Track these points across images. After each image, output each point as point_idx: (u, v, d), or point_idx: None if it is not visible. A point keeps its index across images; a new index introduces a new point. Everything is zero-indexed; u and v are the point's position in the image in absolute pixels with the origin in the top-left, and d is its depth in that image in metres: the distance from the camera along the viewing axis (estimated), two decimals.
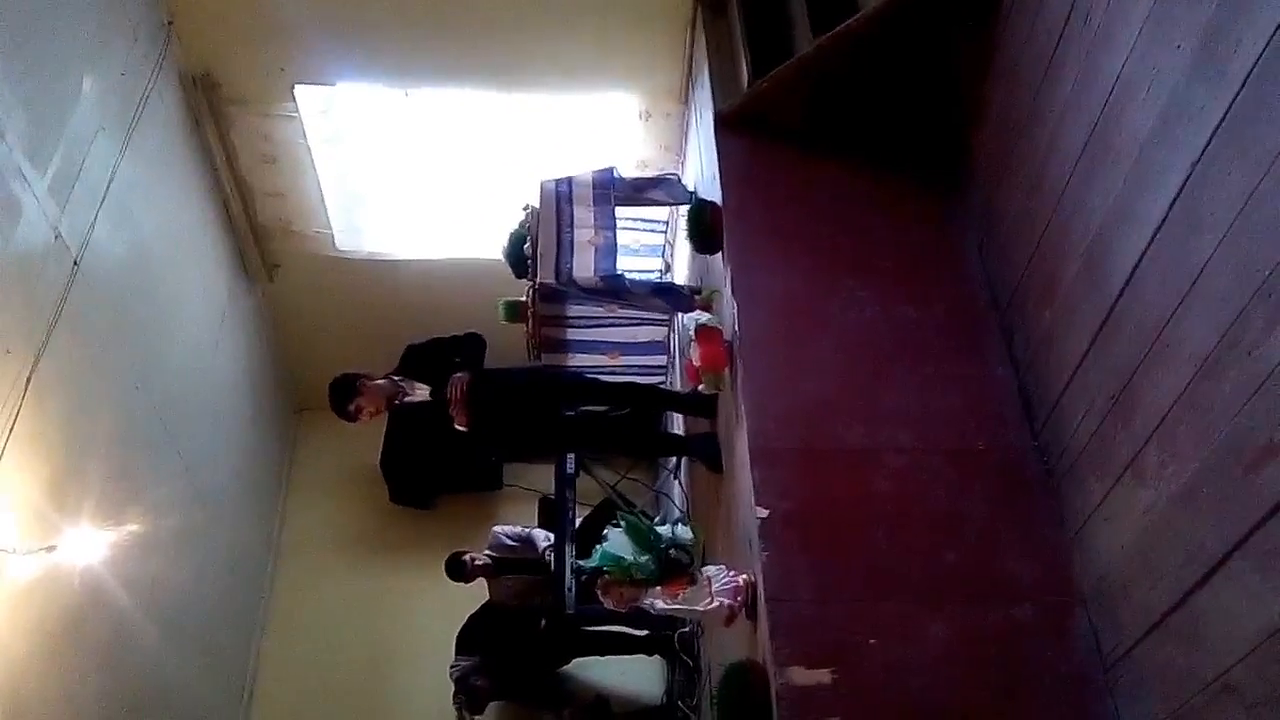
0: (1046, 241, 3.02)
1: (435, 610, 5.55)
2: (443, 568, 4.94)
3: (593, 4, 4.54)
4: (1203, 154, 2.26)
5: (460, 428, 3.85)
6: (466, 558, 4.95)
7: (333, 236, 5.54)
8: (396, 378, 3.93)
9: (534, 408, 4.01)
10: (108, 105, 3.98)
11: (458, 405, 3.81)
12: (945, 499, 2.99)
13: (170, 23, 4.47)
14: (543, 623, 4.71)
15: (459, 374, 3.86)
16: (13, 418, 3.29)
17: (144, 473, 4.34)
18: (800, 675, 2.67)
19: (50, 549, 3.46)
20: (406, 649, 5.64)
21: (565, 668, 5.39)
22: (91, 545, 3.73)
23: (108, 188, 3.96)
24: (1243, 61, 2.11)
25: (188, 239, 4.91)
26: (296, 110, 4.92)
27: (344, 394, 3.79)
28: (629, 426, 4.67)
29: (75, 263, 3.70)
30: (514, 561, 5.07)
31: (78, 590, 3.72)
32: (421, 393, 3.90)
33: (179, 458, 4.67)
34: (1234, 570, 2.19)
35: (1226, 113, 2.17)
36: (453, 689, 4.94)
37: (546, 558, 4.92)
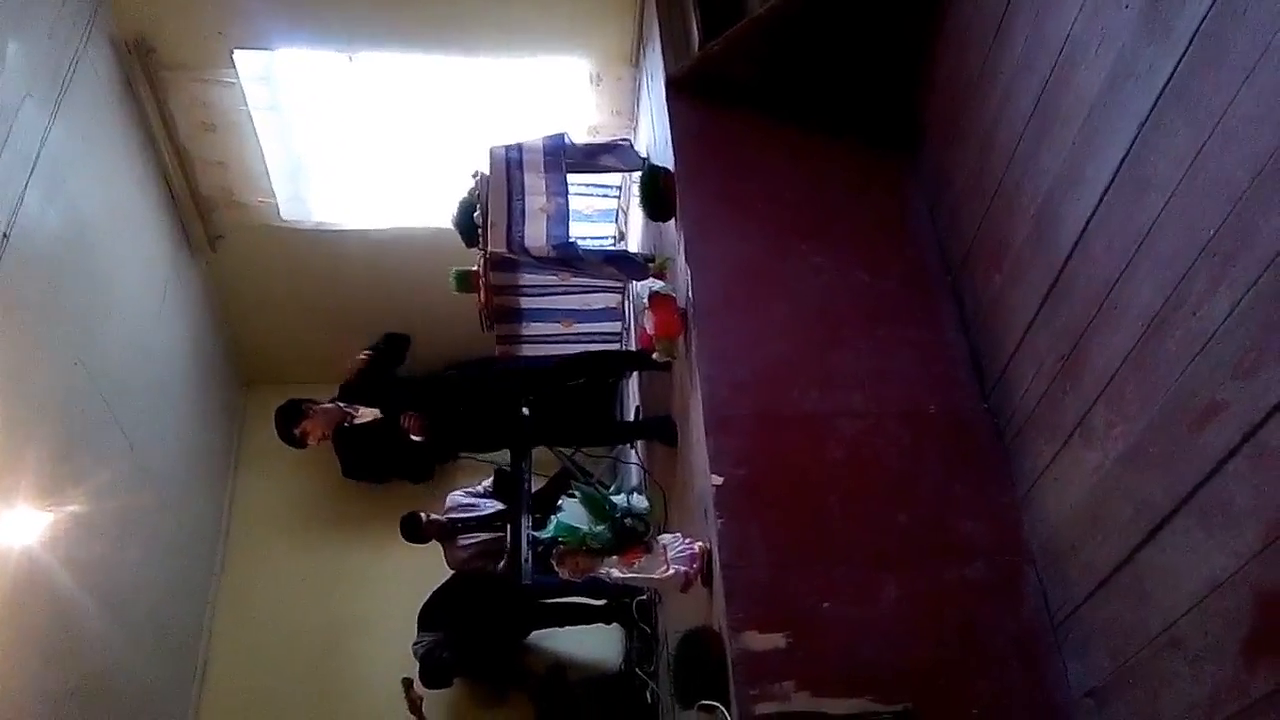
0: (997, 204, 3.03)
1: (389, 585, 5.53)
2: (398, 530, 4.93)
3: None
4: (1150, 114, 2.27)
5: (416, 438, 3.91)
6: (421, 515, 4.95)
7: (277, 206, 5.39)
8: (341, 403, 3.97)
9: (487, 410, 4.01)
10: (35, 70, 3.82)
11: (407, 419, 3.89)
12: (898, 462, 3.01)
13: None
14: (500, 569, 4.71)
15: (407, 415, 3.90)
16: None
17: (86, 452, 4.22)
18: (755, 640, 2.68)
19: None
20: (361, 625, 5.60)
21: (524, 640, 5.39)
22: (29, 527, 3.63)
23: (37, 157, 3.81)
24: (1189, 19, 2.11)
25: (126, 210, 4.75)
26: (236, 76, 4.76)
27: (290, 417, 3.87)
28: (586, 422, 4.65)
29: (4, 235, 3.56)
30: (469, 521, 5.05)
31: (15, 572, 3.62)
32: (368, 414, 3.93)
33: (123, 435, 4.55)
34: (1179, 526, 2.22)
35: (1174, 72, 2.17)
36: (417, 666, 4.92)
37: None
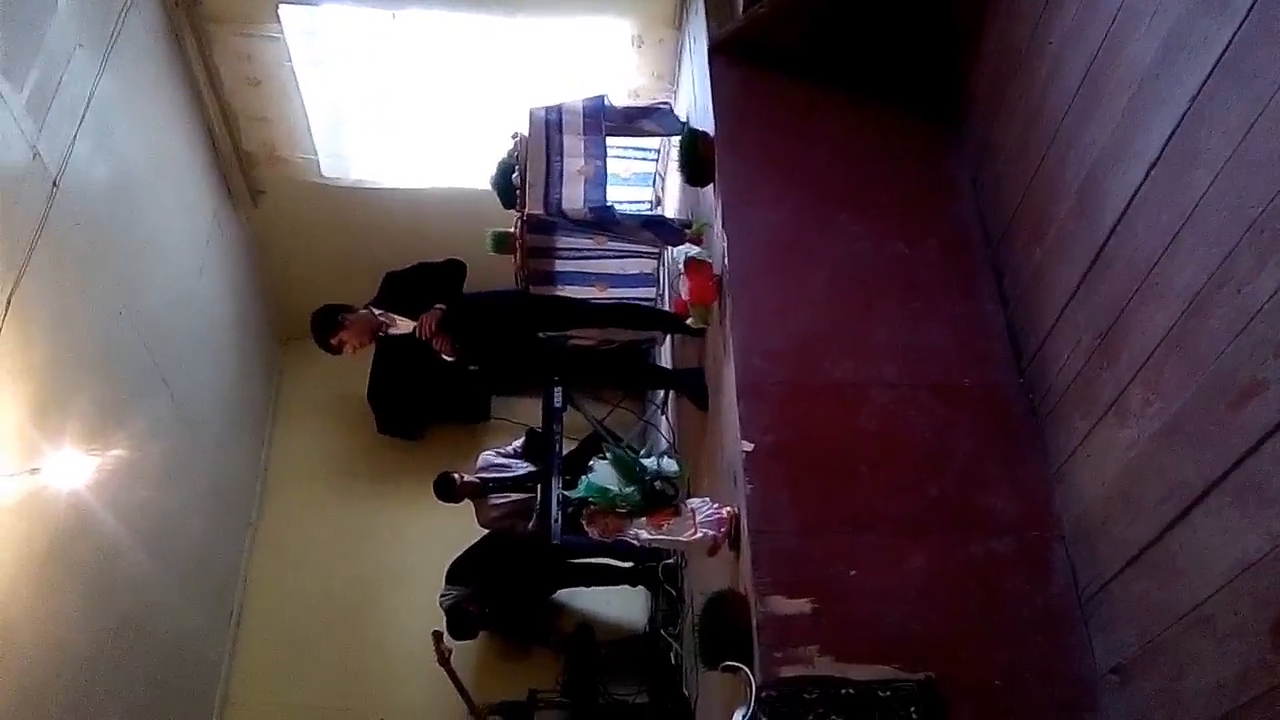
0: (1041, 177, 2.99)
1: (421, 539, 5.63)
2: (431, 489, 5.01)
3: None
4: (1202, 87, 2.22)
5: (447, 357, 3.84)
6: (455, 475, 5.01)
7: (318, 163, 5.44)
8: (377, 311, 3.90)
9: (518, 331, 3.99)
10: (86, 20, 3.87)
11: (435, 338, 3.80)
12: (930, 434, 3.00)
13: None
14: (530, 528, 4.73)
15: (430, 310, 3.83)
16: None
17: (129, 398, 4.32)
18: (781, 605, 2.70)
19: (34, 471, 3.45)
20: (392, 576, 5.71)
21: (551, 598, 5.48)
22: (76, 469, 3.73)
23: (87, 106, 3.87)
24: None
25: (171, 161, 4.82)
26: (281, 31, 4.79)
27: (326, 327, 3.80)
28: (617, 358, 4.66)
29: (54, 183, 3.63)
30: (501, 481, 5.11)
31: (63, 513, 3.73)
32: (404, 325, 3.87)
33: (164, 384, 4.65)
34: (1213, 506, 2.21)
35: (1229, 44, 2.13)
36: (444, 618, 5.01)
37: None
